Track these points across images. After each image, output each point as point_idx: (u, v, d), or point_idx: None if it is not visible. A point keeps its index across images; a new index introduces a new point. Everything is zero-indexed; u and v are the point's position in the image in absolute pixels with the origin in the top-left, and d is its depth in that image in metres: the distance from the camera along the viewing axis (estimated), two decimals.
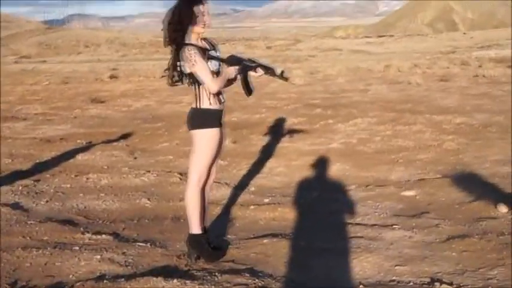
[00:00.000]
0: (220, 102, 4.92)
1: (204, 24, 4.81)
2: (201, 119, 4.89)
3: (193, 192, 4.98)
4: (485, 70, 24.15)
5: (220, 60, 4.97)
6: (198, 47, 4.78)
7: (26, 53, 51.01)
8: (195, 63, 4.70)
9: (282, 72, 5.05)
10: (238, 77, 5.02)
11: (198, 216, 5.04)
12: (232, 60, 4.97)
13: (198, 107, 4.88)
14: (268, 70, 5.02)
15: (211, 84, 4.74)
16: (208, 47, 4.95)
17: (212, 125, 4.88)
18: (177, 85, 4.96)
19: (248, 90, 5.04)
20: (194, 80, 4.82)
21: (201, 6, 4.77)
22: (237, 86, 5.16)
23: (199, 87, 4.84)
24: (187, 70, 4.80)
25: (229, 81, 5.05)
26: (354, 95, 18.20)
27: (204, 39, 5.03)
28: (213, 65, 4.85)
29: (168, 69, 4.93)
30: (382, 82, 21.76)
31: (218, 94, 4.89)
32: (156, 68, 26.14)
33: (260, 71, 4.97)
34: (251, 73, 4.98)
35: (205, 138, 4.89)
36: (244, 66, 4.97)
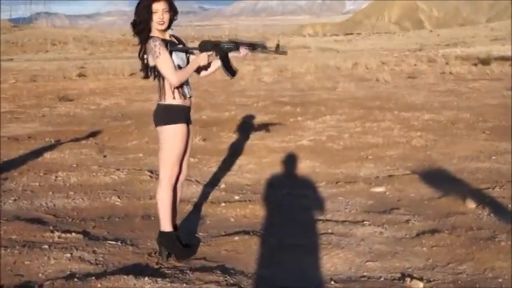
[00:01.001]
0: (184, 96, 4.88)
1: (161, 22, 4.78)
2: (165, 114, 4.86)
3: (164, 190, 4.96)
4: (452, 67, 24.43)
5: (189, 49, 4.93)
6: (162, 39, 4.76)
7: None
8: (158, 56, 4.68)
9: (278, 45, 4.87)
10: (218, 62, 4.98)
11: (169, 214, 5.02)
12: (205, 46, 4.86)
13: (162, 102, 4.85)
14: (257, 47, 4.85)
15: (171, 76, 4.70)
16: (173, 42, 4.93)
17: (176, 120, 4.84)
18: (146, 77, 4.94)
19: (230, 72, 4.94)
20: (158, 74, 4.80)
21: (156, 4, 4.75)
22: (217, 75, 5.12)
23: (163, 81, 4.81)
24: (151, 63, 4.78)
25: (205, 68, 5.01)
26: (322, 92, 18.28)
27: (174, 36, 5.02)
28: (179, 59, 4.83)
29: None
30: (350, 80, 21.89)
31: (182, 88, 4.86)
32: (125, 66, 26.00)
33: (244, 50, 4.85)
34: (234, 54, 4.89)
35: (169, 135, 4.85)
36: (221, 48, 4.87)
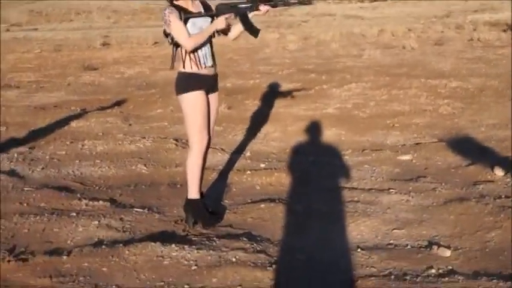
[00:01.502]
0: (198, 65, 4.86)
1: None
2: (182, 83, 4.89)
3: (195, 156, 4.98)
4: (480, 34, 24.06)
5: (205, 15, 4.89)
6: (179, 7, 4.75)
7: (16, 20, 50.39)
8: (170, 23, 4.70)
9: None
10: (239, 25, 4.91)
11: (198, 181, 5.04)
12: (222, 9, 4.81)
13: (179, 70, 4.89)
14: (279, 1, 4.72)
15: (184, 41, 4.71)
16: (199, 9, 4.89)
17: (193, 88, 4.85)
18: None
19: (252, 31, 4.87)
20: (172, 41, 4.84)
21: None
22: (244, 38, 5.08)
23: (176, 49, 4.86)
24: (168, 31, 4.80)
25: (226, 32, 4.96)
26: (348, 60, 18.11)
27: (203, 3, 4.99)
28: (196, 28, 4.79)
29: None
30: (376, 47, 21.63)
31: (197, 57, 4.85)
32: (149, 34, 25.93)
33: (265, 8, 4.76)
34: (255, 13, 4.80)
35: (188, 103, 4.88)
36: (239, 9, 4.78)
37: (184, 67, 4.85)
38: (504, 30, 25.89)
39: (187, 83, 4.86)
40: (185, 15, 4.76)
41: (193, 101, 4.86)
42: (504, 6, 32.56)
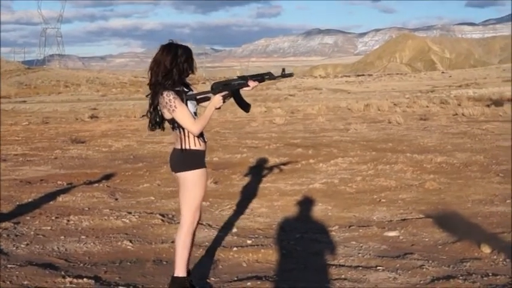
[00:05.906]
0: (204, 142, 4.90)
1: (194, 70, 4.82)
2: (188, 160, 4.83)
3: (186, 234, 4.91)
4: (464, 109, 24.42)
5: (203, 94, 4.95)
6: (176, 90, 4.75)
7: (5, 93, 50.74)
8: (174, 109, 4.67)
9: (283, 70, 5.04)
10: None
11: (186, 258, 4.97)
12: (218, 87, 4.89)
13: (184, 147, 4.81)
14: (265, 76, 4.99)
15: (192, 127, 4.71)
16: (184, 87, 4.92)
17: (199, 165, 4.84)
18: (156, 129, 4.94)
19: (243, 106, 5.03)
20: (176, 125, 4.79)
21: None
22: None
23: (183, 130, 4.79)
24: (168, 116, 4.77)
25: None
26: (334, 134, 18.30)
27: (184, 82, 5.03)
28: (192, 105, 4.82)
29: (148, 112, 4.90)
30: (362, 121, 21.93)
31: (201, 134, 4.87)
32: (137, 107, 26.18)
33: (253, 83, 4.91)
34: (245, 89, 4.92)
35: (194, 179, 4.83)
36: (232, 86, 4.91)
37: (192, 145, 4.83)
38: (488, 105, 26.27)
39: (193, 160, 4.83)
40: (186, 96, 4.79)
41: (199, 178, 4.84)
42: (487, 82, 33.13)
